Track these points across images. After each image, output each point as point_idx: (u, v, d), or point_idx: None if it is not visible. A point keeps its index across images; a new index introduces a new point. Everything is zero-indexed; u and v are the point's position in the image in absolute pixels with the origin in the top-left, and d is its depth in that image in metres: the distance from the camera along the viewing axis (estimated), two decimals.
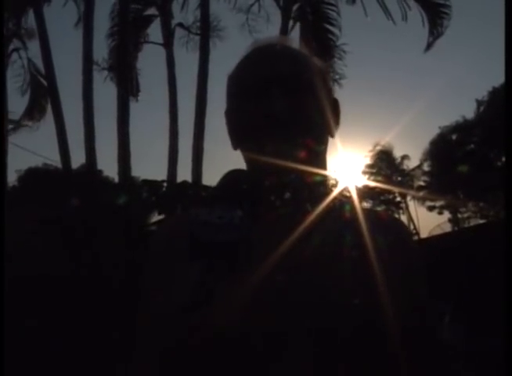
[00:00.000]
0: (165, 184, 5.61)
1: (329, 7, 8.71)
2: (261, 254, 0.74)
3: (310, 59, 0.89)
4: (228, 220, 0.73)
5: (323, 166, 0.86)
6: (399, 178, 29.21)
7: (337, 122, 0.91)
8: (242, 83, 0.86)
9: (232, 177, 0.84)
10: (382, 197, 28.49)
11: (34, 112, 10.23)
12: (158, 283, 0.80)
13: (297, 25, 9.00)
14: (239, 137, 0.89)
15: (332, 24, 8.71)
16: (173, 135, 7.65)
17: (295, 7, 8.82)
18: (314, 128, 0.83)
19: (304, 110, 0.81)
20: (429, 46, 8.66)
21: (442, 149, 22.43)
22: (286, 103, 0.80)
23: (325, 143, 0.86)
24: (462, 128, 22.24)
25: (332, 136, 0.89)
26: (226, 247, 0.71)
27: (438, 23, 8.30)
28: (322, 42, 8.69)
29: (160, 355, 0.75)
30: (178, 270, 0.74)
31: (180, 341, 0.72)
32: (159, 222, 4.98)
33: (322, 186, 0.87)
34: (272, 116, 0.79)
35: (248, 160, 0.87)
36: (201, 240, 0.72)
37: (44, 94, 9.75)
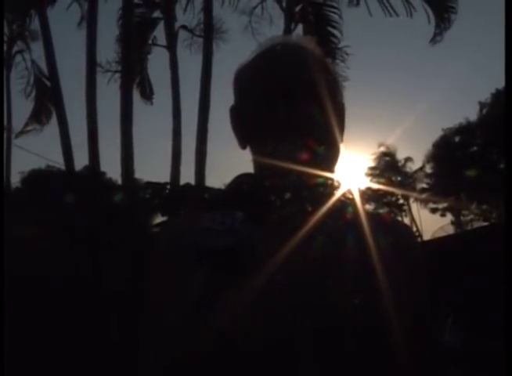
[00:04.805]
0: (168, 186, 5.62)
1: (331, 9, 8.70)
2: (264, 255, 0.75)
3: (320, 61, 0.89)
4: (229, 225, 0.76)
5: (329, 169, 0.86)
6: (400, 179, 29.12)
7: (342, 127, 0.91)
8: (250, 88, 0.88)
9: (236, 181, 0.88)
10: (385, 199, 28.43)
11: (41, 115, 10.22)
12: (166, 289, 0.82)
13: (300, 27, 9.02)
14: (246, 137, 0.89)
15: (333, 27, 8.70)
16: (176, 138, 7.65)
17: (297, 8, 8.82)
18: (318, 132, 0.83)
19: (307, 115, 0.82)
20: (435, 37, 8.36)
21: (445, 151, 22.39)
22: (290, 110, 0.81)
23: (331, 147, 0.86)
24: (465, 131, 22.20)
25: (341, 141, 0.89)
26: (228, 252, 0.74)
27: (445, 17, 8.15)
28: (324, 44, 8.67)
29: (171, 354, 0.77)
30: (184, 277, 0.77)
31: (193, 341, 0.74)
32: (162, 224, 4.99)
33: (325, 187, 0.87)
34: (280, 122, 0.81)
35: (255, 161, 0.89)
36: (204, 248, 0.75)
37: (50, 96, 9.75)
